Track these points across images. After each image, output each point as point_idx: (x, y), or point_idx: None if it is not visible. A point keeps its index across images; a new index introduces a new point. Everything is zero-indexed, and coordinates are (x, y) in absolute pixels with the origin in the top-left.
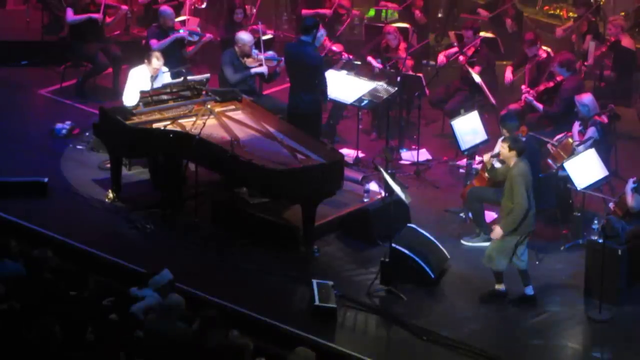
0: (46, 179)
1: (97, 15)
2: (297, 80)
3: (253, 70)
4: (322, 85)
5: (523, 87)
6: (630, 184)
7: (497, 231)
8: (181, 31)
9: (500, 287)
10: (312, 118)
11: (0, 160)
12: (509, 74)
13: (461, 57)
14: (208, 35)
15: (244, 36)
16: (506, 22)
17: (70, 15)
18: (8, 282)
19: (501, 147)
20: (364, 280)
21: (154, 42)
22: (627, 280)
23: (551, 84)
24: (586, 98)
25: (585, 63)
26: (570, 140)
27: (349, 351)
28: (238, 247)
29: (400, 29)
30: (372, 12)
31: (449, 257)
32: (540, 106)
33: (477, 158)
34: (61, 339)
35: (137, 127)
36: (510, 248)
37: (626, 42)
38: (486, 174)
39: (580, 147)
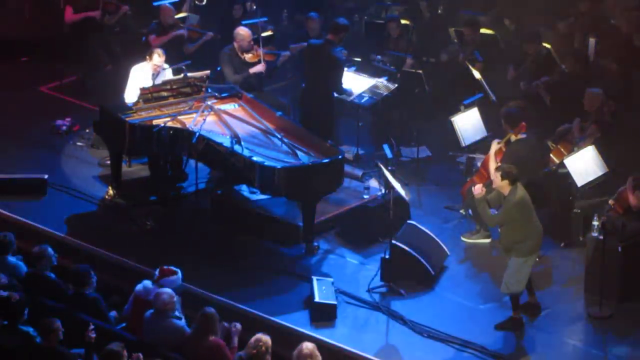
0: (46, 176)
1: (95, 13)
2: (314, 76)
3: (251, 71)
4: (337, 87)
5: (522, 83)
6: (630, 182)
7: (474, 189)
8: (181, 30)
9: (517, 314)
10: (326, 114)
11: (0, 156)
12: (511, 71)
13: (461, 54)
14: (208, 34)
15: (243, 31)
16: (505, 21)
17: (69, 14)
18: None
19: (494, 176)
20: (364, 276)
21: (152, 38)
22: (627, 277)
23: (564, 77)
24: (595, 92)
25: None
26: (570, 136)
27: (349, 348)
28: (238, 244)
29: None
30: None
31: (449, 253)
32: (548, 97)
33: (478, 154)
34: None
35: (137, 124)
36: (526, 271)
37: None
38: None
39: (581, 144)
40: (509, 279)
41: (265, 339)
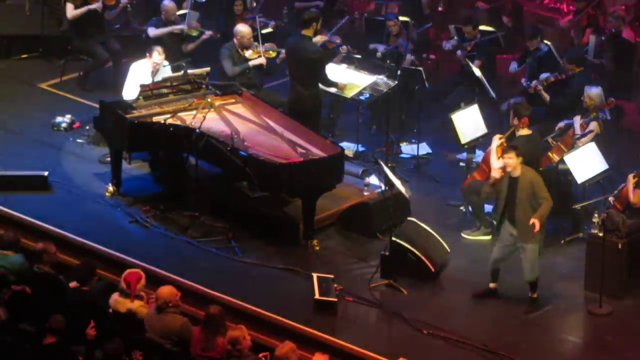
0: (46, 173)
1: (97, 5)
2: (297, 74)
3: (251, 63)
4: (323, 79)
5: (523, 80)
6: (630, 179)
7: (537, 223)
8: (181, 25)
9: (535, 294)
10: (312, 113)
11: (0, 153)
12: (513, 65)
13: (460, 51)
14: (208, 32)
15: (243, 28)
16: (503, 18)
17: (70, 10)
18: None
19: (507, 158)
20: (365, 273)
21: (151, 30)
22: (627, 274)
23: (563, 75)
24: (595, 90)
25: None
26: (570, 133)
27: (349, 345)
28: (238, 241)
29: (401, 22)
30: None
31: (449, 250)
32: (547, 97)
33: (477, 152)
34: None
35: (137, 120)
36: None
37: (627, 33)
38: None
39: (581, 141)
40: (531, 266)
41: (242, 338)
